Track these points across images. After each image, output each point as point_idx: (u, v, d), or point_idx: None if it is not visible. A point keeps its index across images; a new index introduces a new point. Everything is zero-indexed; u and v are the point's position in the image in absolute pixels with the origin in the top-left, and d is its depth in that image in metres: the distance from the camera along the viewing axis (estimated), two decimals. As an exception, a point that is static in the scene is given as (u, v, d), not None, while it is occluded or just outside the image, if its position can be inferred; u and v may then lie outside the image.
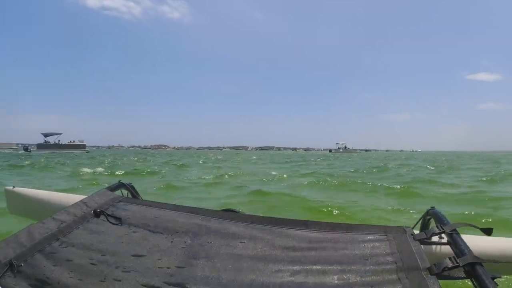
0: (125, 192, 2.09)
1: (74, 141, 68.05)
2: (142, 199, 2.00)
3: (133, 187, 2.15)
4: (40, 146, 63.84)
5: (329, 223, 1.54)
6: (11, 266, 1.22)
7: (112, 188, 2.01)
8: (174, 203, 1.83)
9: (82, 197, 1.87)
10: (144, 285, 1.17)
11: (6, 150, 60.78)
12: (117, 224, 1.58)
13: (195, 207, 1.70)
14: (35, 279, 1.19)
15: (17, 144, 71.78)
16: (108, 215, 1.63)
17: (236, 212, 1.75)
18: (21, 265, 1.24)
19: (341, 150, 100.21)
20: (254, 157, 45.65)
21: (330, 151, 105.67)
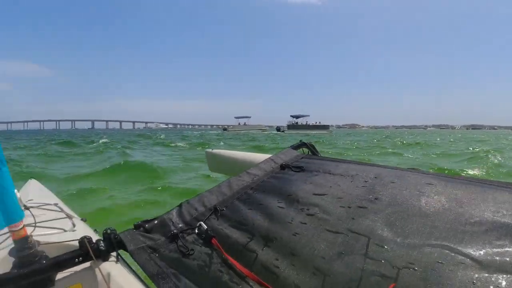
0: (306, 151, 2.35)
1: (319, 122, 76.58)
2: (322, 156, 2.25)
3: (313, 146, 2.36)
4: (290, 127, 75.77)
5: None
6: (215, 210, 1.54)
7: (295, 147, 2.29)
8: None
9: (266, 155, 2.27)
10: (328, 230, 1.26)
11: (255, 131, 75.22)
12: (299, 172, 1.81)
13: (376, 164, 1.81)
14: (234, 220, 1.47)
15: (265, 126, 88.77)
16: (292, 166, 1.88)
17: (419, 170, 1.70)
18: (223, 210, 1.55)
19: None
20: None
21: None
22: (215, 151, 3.65)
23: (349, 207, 1.32)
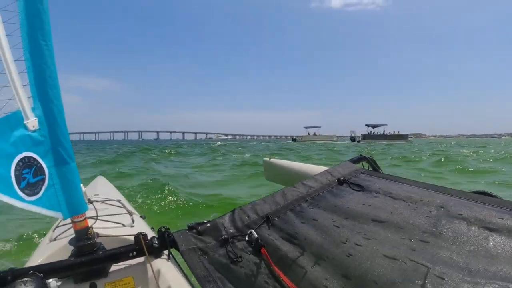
0: (366, 166, 2.23)
1: (398, 131, 72.26)
2: (383, 173, 2.13)
3: (373, 161, 2.26)
4: (366, 137, 71.64)
5: None
6: (267, 219, 1.56)
7: (354, 161, 2.22)
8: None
9: (323, 168, 2.26)
10: (385, 256, 1.20)
11: (325, 141, 71.20)
12: (358, 191, 1.74)
13: (442, 186, 1.66)
14: (285, 232, 1.47)
15: (336, 136, 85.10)
16: (351, 183, 1.82)
17: (492, 196, 1.59)
18: (275, 220, 1.56)
19: None
20: None
21: None
22: (273, 160, 3.70)
23: (410, 239, 1.26)
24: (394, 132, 71.43)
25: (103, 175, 4.50)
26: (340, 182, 1.84)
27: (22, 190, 1.28)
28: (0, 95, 1.26)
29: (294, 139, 79.41)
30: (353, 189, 1.76)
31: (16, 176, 1.28)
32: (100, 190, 3.22)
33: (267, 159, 3.76)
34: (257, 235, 1.43)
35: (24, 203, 1.29)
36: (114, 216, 2.14)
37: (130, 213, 2.31)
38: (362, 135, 72.88)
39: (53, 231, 2.10)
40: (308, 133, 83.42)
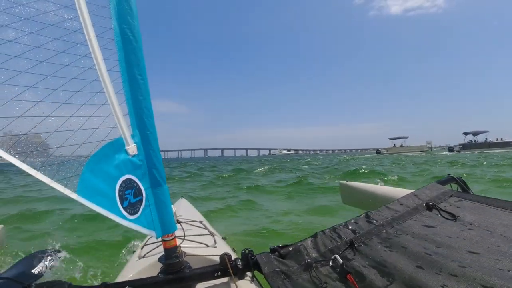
0: (454, 186, 2.13)
1: (501, 138, 64.37)
2: (474, 194, 2.02)
3: (464, 182, 2.14)
4: (466, 146, 65.58)
5: None
6: (351, 244, 1.52)
7: (442, 182, 2.10)
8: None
9: (405, 190, 2.26)
10: (483, 286, 1.16)
11: (415, 153, 65.36)
12: (450, 220, 1.67)
13: None
14: (372, 259, 1.44)
15: (427, 147, 77.23)
16: (441, 209, 1.74)
17: None
18: (361, 245, 1.53)
19: None
20: None
21: None
22: (350, 183, 3.62)
23: (509, 271, 1.21)
24: (498, 139, 62.95)
25: (184, 197, 4.72)
26: (429, 207, 1.75)
27: (124, 209, 1.47)
28: (105, 123, 1.46)
29: (378, 152, 74.04)
30: (444, 217, 1.66)
31: (120, 196, 1.48)
32: (183, 211, 3.45)
33: (344, 181, 3.67)
34: (342, 261, 1.40)
35: (126, 221, 1.48)
36: (198, 236, 2.28)
37: (212, 234, 2.44)
38: (460, 144, 65.97)
39: (141, 248, 2.30)
40: (394, 145, 77.03)
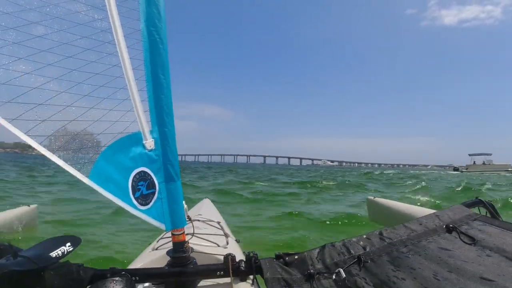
0: (482, 210, 2.01)
1: None
2: (503, 220, 1.90)
3: (492, 206, 2.01)
4: None
5: None
6: (358, 259, 1.49)
7: (468, 204, 1.99)
8: None
9: (431, 210, 2.17)
10: None
11: (501, 173, 61.79)
12: (469, 244, 1.59)
13: None
14: (377, 277, 1.42)
15: None
16: (461, 232, 1.66)
17: None
18: (367, 262, 1.49)
19: None
20: None
21: None
22: (377, 199, 3.53)
23: None
24: None
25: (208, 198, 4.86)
26: (449, 229, 1.66)
27: (136, 199, 1.55)
28: (126, 117, 1.55)
29: (456, 169, 70.34)
30: (463, 241, 1.57)
31: (132, 186, 1.56)
32: (204, 211, 3.56)
33: (372, 197, 3.57)
34: (344, 275, 1.37)
35: (136, 210, 1.56)
36: (211, 235, 2.35)
37: (226, 235, 2.50)
38: None
39: (157, 241, 2.39)
40: (474, 162, 72.22)
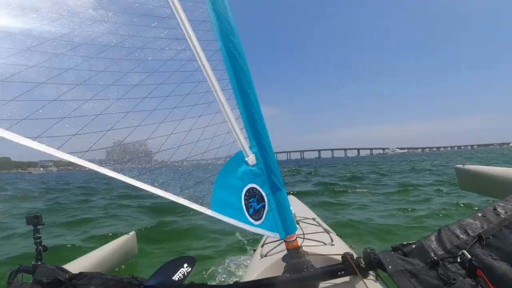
0: None
1: None
2: None
3: None
4: None
5: None
6: (479, 238, 1.48)
7: None
8: None
9: None
10: None
11: None
12: None
13: None
14: (503, 250, 1.41)
15: None
16: None
17: None
18: (489, 238, 1.48)
19: None
20: None
21: None
22: (468, 166, 3.31)
23: None
24: None
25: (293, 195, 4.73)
26: None
27: (251, 216, 1.59)
28: (226, 140, 1.58)
29: None
30: None
31: (245, 204, 1.60)
32: (295, 209, 3.50)
33: (460, 166, 3.39)
34: (470, 256, 1.34)
35: (253, 227, 1.59)
36: (314, 234, 2.31)
37: (327, 232, 2.46)
38: None
39: (261, 247, 2.39)
40: None
